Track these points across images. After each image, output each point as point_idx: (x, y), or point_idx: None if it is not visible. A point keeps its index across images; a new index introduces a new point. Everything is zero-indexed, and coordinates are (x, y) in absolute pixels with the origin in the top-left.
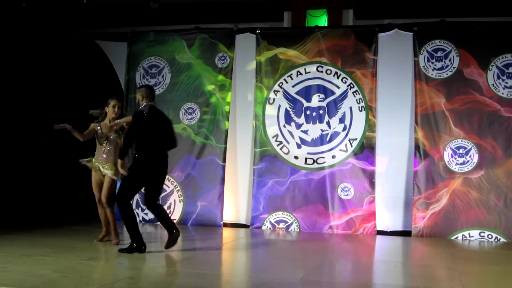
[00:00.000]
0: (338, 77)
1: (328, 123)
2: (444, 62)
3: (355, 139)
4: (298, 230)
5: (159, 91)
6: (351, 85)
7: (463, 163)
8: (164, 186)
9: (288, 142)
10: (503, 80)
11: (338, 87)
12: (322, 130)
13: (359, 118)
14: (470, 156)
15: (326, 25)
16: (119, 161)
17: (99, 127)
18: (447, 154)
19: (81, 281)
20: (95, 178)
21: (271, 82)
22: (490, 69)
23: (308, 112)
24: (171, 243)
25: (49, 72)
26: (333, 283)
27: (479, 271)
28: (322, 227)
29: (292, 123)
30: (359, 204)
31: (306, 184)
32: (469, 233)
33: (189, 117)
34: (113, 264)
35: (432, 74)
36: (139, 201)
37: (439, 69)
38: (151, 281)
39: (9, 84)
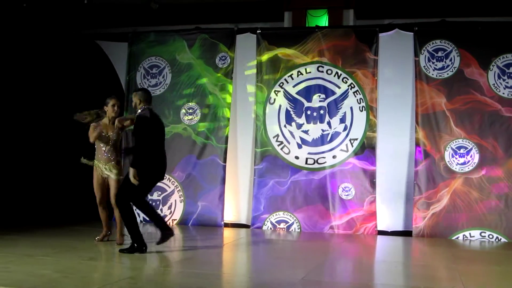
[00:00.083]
0: (338, 77)
1: (328, 123)
2: (445, 62)
3: (356, 139)
4: (298, 230)
5: (160, 91)
6: (352, 85)
7: (464, 163)
8: (165, 186)
9: (288, 142)
10: (503, 80)
11: (339, 87)
12: (323, 130)
13: (360, 118)
14: (471, 156)
15: (326, 25)
16: (132, 170)
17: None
18: (447, 154)
19: (82, 281)
20: (97, 179)
21: (271, 82)
22: (491, 69)
23: (308, 112)
24: (163, 239)
25: (50, 72)
26: (334, 283)
27: (480, 271)
28: (323, 227)
29: (293, 123)
30: (360, 204)
31: (307, 184)
32: (470, 233)
33: (190, 117)
34: (114, 264)
35: (432, 74)
36: None
37: (439, 69)
38: (152, 281)
39: (10, 85)
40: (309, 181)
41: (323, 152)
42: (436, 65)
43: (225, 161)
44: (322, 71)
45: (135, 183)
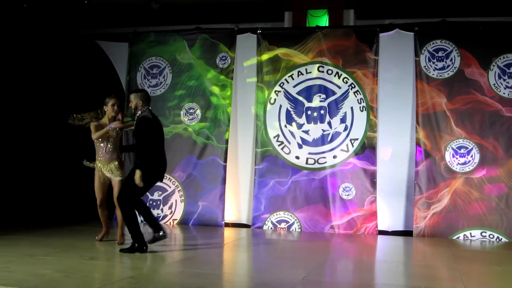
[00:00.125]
0: (339, 77)
1: (329, 123)
2: (445, 62)
3: (356, 139)
4: (299, 230)
5: (160, 91)
6: (352, 85)
7: (464, 163)
8: (165, 186)
9: (289, 142)
10: (504, 80)
11: (339, 87)
12: (323, 130)
13: (360, 118)
14: (471, 156)
15: (327, 25)
16: (138, 172)
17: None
18: (448, 154)
19: (83, 281)
20: (98, 180)
21: (272, 82)
22: (491, 69)
23: (309, 112)
24: (155, 239)
25: (50, 72)
26: (335, 283)
27: (481, 271)
28: (324, 227)
29: (293, 123)
30: (361, 204)
31: (307, 184)
32: (470, 233)
33: (190, 117)
34: (115, 264)
35: (433, 74)
36: None
37: (440, 69)
38: (152, 281)
39: (11, 85)
40: (310, 181)
41: (323, 152)
42: (436, 65)
43: (225, 161)
44: (323, 71)
45: (140, 185)
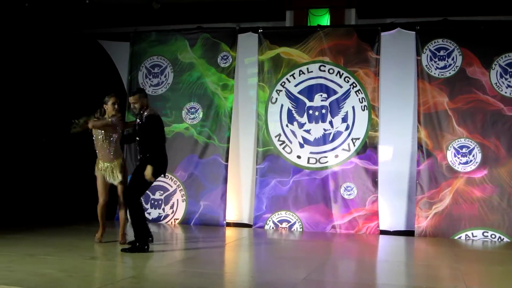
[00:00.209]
0: (340, 76)
1: (330, 123)
2: (447, 61)
3: (358, 139)
4: (301, 229)
5: (162, 90)
6: (354, 84)
7: (466, 163)
8: (167, 186)
9: (290, 142)
10: (506, 79)
11: (341, 87)
12: (325, 130)
13: (362, 118)
14: (473, 156)
15: (328, 24)
16: (150, 167)
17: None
18: (450, 154)
19: (84, 281)
20: (101, 181)
21: (273, 82)
22: (493, 68)
23: (310, 112)
24: (134, 249)
25: (52, 72)
26: (336, 283)
27: (483, 271)
28: (325, 227)
29: (295, 123)
30: (362, 204)
31: (309, 184)
32: (472, 233)
33: (192, 116)
34: (116, 264)
35: (435, 73)
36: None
37: (442, 68)
38: (154, 280)
39: (12, 84)
40: (311, 180)
41: (325, 152)
42: (438, 64)
43: (227, 160)
44: (324, 70)
45: (151, 180)
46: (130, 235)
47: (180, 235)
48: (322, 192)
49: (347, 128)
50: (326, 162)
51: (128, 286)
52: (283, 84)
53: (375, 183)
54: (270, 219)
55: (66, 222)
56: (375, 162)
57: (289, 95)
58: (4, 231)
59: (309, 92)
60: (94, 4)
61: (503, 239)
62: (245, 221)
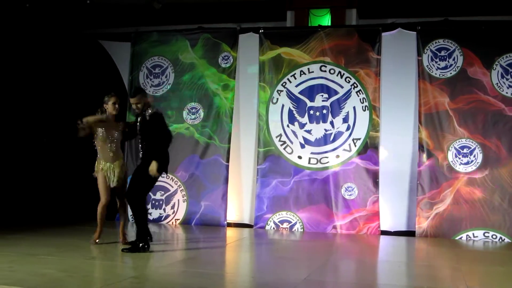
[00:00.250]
0: (341, 77)
1: (331, 123)
2: (448, 61)
3: (359, 139)
4: (301, 230)
5: (163, 91)
6: (355, 85)
7: (467, 163)
8: (168, 186)
9: (291, 142)
10: (507, 79)
11: (342, 87)
12: (326, 130)
13: (363, 118)
14: (474, 156)
15: (329, 24)
16: (155, 163)
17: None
18: (451, 154)
19: (84, 281)
20: (103, 180)
21: (274, 82)
22: (494, 68)
23: (311, 112)
24: (134, 249)
25: (52, 72)
26: (337, 283)
27: (484, 271)
28: (326, 227)
29: (296, 123)
30: (363, 204)
31: (310, 184)
32: (473, 233)
33: (193, 117)
34: (117, 264)
35: (435, 74)
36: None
37: (443, 68)
38: (154, 280)
39: (13, 84)
40: (312, 181)
41: (326, 152)
42: (439, 64)
43: (228, 160)
44: (325, 71)
45: (156, 175)
46: (130, 235)
47: (181, 235)
48: (323, 193)
49: (348, 129)
50: (327, 163)
51: (129, 286)
52: (284, 84)
53: (376, 183)
54: (271, 219)
55: (67, 222)
56: (376, 162)
57: (290, 95)
58: (5, 231)
59: (310, 92)
60: (95, 4)
61: (504, 239)
62: (246, 221)
